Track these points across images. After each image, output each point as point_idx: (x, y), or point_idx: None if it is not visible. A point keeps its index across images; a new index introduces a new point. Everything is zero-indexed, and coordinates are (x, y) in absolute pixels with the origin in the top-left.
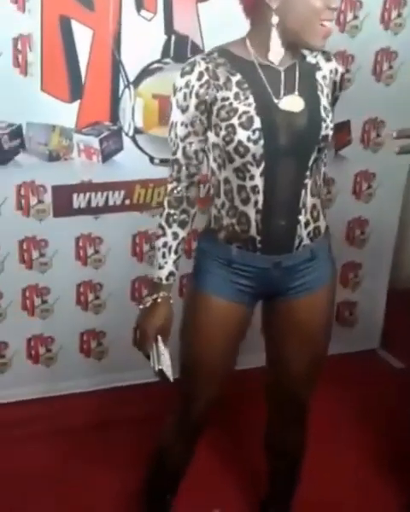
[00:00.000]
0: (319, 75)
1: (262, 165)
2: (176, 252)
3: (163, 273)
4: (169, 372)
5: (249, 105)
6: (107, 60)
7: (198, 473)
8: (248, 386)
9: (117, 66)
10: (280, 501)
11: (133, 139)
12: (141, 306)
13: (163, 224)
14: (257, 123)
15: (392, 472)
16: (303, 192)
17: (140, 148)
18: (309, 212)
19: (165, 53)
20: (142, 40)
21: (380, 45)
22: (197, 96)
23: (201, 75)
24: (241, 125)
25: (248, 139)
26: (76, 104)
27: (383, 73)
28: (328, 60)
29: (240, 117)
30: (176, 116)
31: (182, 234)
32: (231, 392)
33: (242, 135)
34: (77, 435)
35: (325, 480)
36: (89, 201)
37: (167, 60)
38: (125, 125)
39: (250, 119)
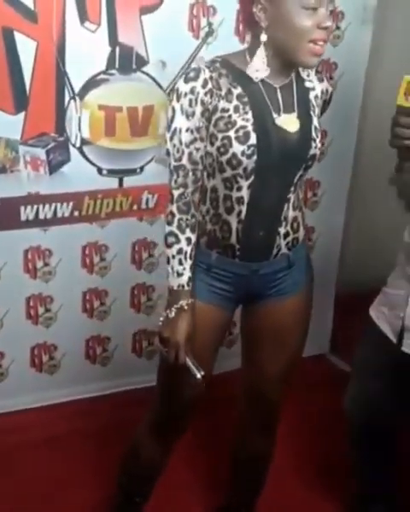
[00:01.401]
0: (312, 95)
1: (251, 178)
2: (191, 257)
3: (184, 280)
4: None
5: (247, 120)
6: (51, 71)
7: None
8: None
9: (62, 77)
10: (242, 508)
11: (80, 150)
12: (163, 318)
13: (175, 230)
14: (253, 139)
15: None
16: (286, 206)
17: (88, 160)
18: (290, 225)
19: (110, 64)
20: (86, 51)
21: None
22: (202, 103)
23: (205, 83)
24: (237, 138)
25: (243, 153)
26: (21, 116)
27: None
28: (321, 80)
29: (237, 131)
30: (180, 122)
31: (194, 238)
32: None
33: (237, 148)
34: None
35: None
36: (37, 213)
37: (113, 71)
38: (72, 137)
39: (247, 135)
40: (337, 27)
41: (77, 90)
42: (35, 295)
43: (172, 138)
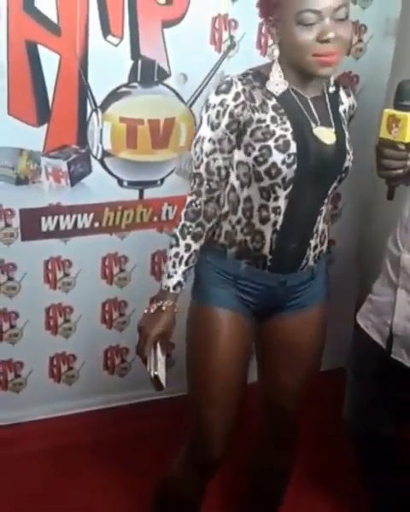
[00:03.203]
0: (341, 109)
1: (289, 188)
2: (187, 263)
3: (171, 282)
4: (163, 379)
5: (286, 130)
6: (74, 84)
7: None
8: None
9: (84, 90)
10: None
11: (102, 162)
12: (145, 311)
13: (177, 234)
14: (293, 148)
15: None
16: (319, 218)
17: (109, 171)
18: (319, 237)
19: (132, 77)
20: (109, 64)
21: (342, 69)
22: (231, 115)
23: (237, 95)
24: (277, 147)
25: (283, 162)
26: (43, 128)
27: None
28: (348, 95)
29: (277, 140)
30: (205, 131)
31: (194, 246)
32: None
33: (277, 157)
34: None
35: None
36: (57, 225)
37: (134, 84)
38: (94, 149)
39: (287, 143)
40: (360, 40)
41: (99, 102)
42: (55, 305)
43: (195, 145)
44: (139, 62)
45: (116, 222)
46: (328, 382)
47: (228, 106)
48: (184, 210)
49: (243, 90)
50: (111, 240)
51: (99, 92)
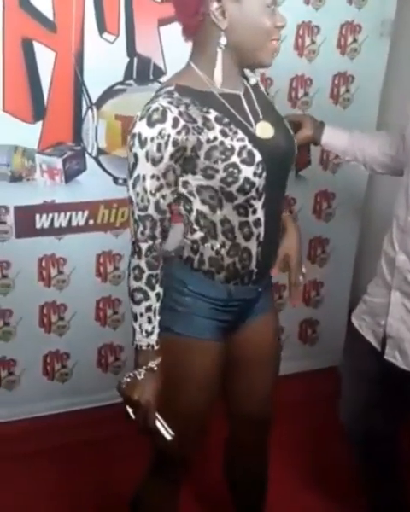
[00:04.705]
0: (262, 89)
1: (263, 197)
2: (159, 313)
3: (153, 339)
4: (170, 431)
5: (242, 139)
6: (69, 81)
7: None
8: None
9: (80, 87)
10: None
11: (97, 160)
12: (129, 379)
13: (144, 287)
14: (258, 156)
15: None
16: (282, 214)
17: (104, 169)
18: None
19: (127, 75)
20: (104, 62)
21: (337, 69)
22: (175, 144)
23: (176, 121)
24: (243, 161)
25: (254, 174)
26: (39, 125)
27: (341, 97)
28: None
29: (240, 154)
30: (145, 169)
31: (162, 292)
32: None
33: (247, 171)
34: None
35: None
36: (52, 222)
37: (130, 81)
38: (89, 146)
39: (251, 154)
40: (354, 40)
41: (94, 99)
42: (49, 303)
43: (134, 186)
44: (135, 60)
45: (111, 219)
46: (324, 381)
47: (169, 136)
48: (143, 260)
49: (180, 113)
50: (106, 237)
51: (94, 89)
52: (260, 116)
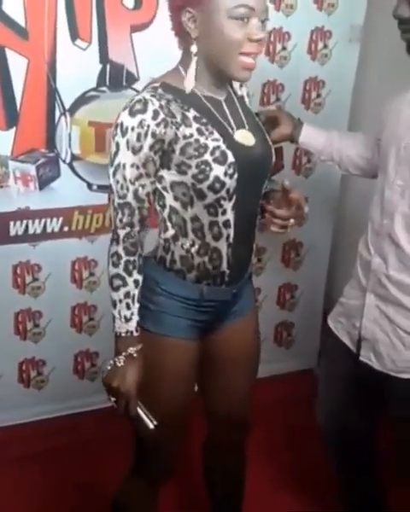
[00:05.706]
0: (247, 102)
1: (233, 198)
2: (138, 300)
3: (132, 325)
4: (153, 419)
5: (217, 140)
6: (42, 88)
7: None
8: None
9: (53, 94)
10: None
11: (70, 166)
12: (111, 366)
13: (122, 273)
14: (231, 157)
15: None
16: (256, 220)
17: (78, 175)
18: (255, 238)
19: (100, 81)
20: (77, 69)
21: (308, 75)
22: (154, 135)
23: (156, 114)
24: (215, 160)
25: (225, 174)
26: (12, 132)
27: (312, 102)
28: (241, 85)
29: (213, 152)
30: (125, 157)
31: (141, 279)
32: None
33: (218, 170)
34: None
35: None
36: (26, 229)
37: (103, 88)
38: (62, 152)
39: (224, 154)
40: (325, 46)
41: (67, 106)
42: (24, 310)
43: (115, 174)
44: (108, 66)
45: (85, 226)
46: (300, 383)
47: (148, 126)
48: (121, 246)
49: (161, 107)
50: (81, 244)
51: (68, 96)
52: (246, 126)
